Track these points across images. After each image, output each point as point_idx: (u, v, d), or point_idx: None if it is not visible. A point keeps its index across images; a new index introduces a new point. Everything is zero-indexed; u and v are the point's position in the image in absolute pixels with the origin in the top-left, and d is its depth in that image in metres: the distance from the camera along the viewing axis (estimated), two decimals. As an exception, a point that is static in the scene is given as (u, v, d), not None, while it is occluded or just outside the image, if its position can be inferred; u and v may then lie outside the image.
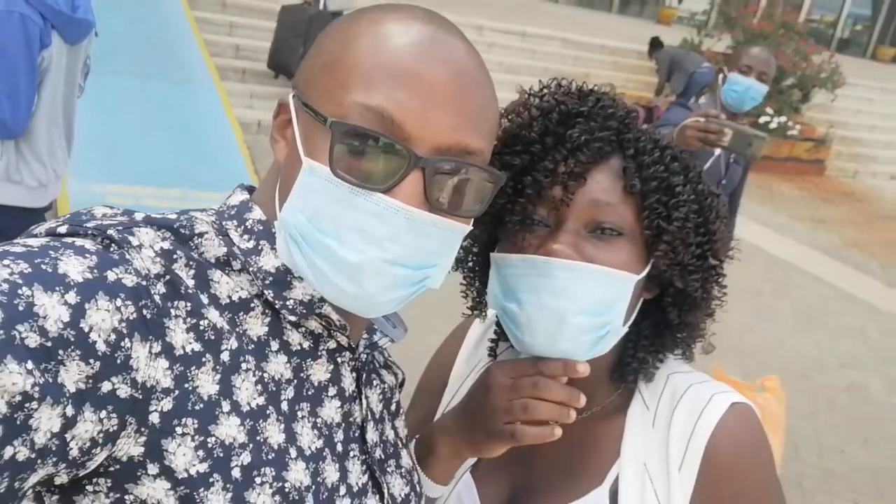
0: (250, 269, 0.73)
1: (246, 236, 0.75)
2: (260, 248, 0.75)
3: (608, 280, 0.89)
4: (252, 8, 9.02)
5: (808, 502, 3.58)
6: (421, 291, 0.77)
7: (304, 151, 0.72)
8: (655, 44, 10.07)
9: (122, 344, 0.61)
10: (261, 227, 0.76)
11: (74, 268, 0.60)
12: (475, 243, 1.02)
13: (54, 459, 0.57)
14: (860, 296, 6.52)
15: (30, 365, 0.55)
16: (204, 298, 0.69)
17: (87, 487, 0.63)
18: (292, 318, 0.75)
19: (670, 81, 9.56)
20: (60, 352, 0.57)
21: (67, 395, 0.57)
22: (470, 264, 1.05)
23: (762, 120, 9.76)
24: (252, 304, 0.73)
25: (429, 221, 0.71)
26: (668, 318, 0.97)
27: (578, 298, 0.87)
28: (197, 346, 0.67)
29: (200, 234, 0.73)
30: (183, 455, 0.64)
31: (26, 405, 0.55)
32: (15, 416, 0.54)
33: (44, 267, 0.59)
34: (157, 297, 0.65)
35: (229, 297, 0.72)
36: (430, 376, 1.19)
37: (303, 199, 0.71)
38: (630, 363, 0.98)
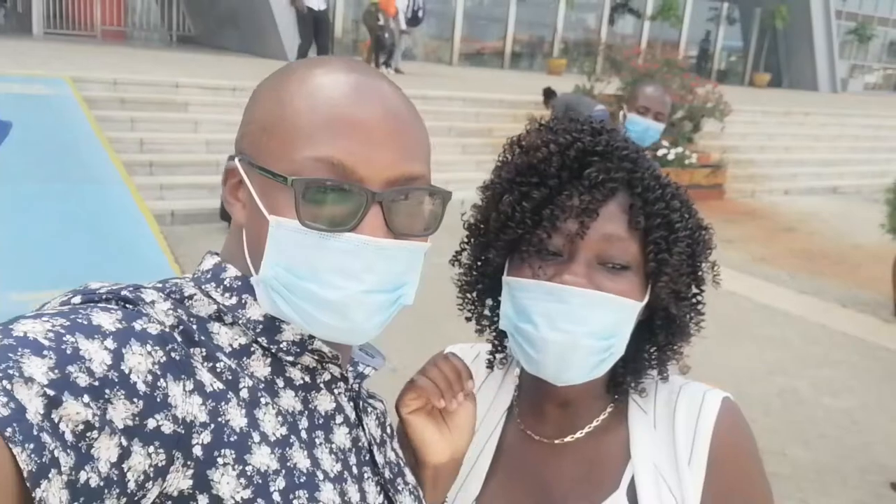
0: (240, 321, 0.79)
1: (227, 294, 0.81)
2: (243, 301, 0.80)
3: (617, 307, 0.96)
4: (151, 101, 8.99)
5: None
6: (398, 310, 0.83)
7: (266, 209, 0.77)
8: (549, 93, 10.46)
9: (159, 384, 0.65)
10: (239, 283, 0.81)
11: (105, 320, 0.65)
12: (486, 268, 1.07)
13: (117, 491, 0.60)
14: (776, 305, 6.83)
15: (86, 399, 0.58)
16: (212, 346, 0.75)
17: None
18: (289, 359, 0.80)
19: (568, 126, 9.94)
20: (107, 391, 0.60)
21: (118, 430, 0.60)
22: (479, 286, 1.10)
23: (660, 153, 10.22)
24: (252, 349, 0.79)
25: (395, 247, 0.78)
26: (657, 341, 1.05)
27: (590, 323, 0.95)
28: (219, 385, 0.72)
29: (190, 297, 0.79)
30: (227, 483, 0.68)
31: (87, 434, 0.58)
32: (79, 444, 0.57)
33: (79, 321, 0.64)
34: (178, 343, 0.70)
35: (230, 345, 0.77)
36: None
37: (277, 252, 0.77)
38: (622, 382, 1.06)
